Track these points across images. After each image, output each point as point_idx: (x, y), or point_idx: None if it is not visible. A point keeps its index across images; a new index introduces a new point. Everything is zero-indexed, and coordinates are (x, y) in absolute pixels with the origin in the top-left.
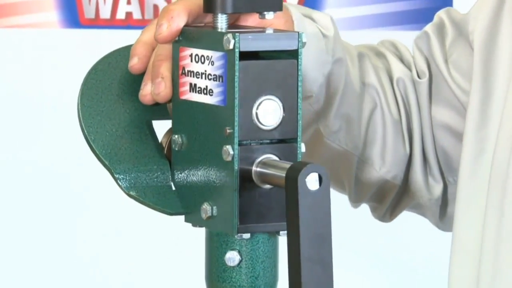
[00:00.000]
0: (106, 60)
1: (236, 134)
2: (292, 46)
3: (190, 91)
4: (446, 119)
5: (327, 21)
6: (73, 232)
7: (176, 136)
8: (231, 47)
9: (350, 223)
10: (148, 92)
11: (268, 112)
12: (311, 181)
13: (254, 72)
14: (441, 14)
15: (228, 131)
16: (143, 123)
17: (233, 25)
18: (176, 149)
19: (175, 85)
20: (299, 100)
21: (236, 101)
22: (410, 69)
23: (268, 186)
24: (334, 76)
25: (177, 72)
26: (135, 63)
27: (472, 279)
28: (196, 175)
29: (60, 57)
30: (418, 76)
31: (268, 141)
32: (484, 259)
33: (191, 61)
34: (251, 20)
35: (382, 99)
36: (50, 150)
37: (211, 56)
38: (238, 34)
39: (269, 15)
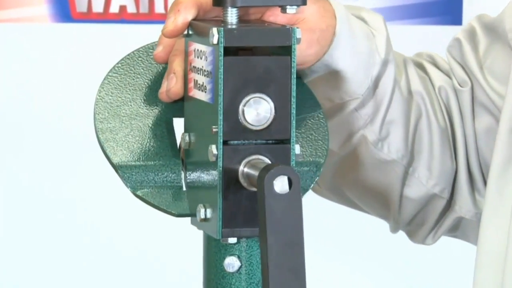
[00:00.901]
0: (132, 54)
1: (220, 133)
2: (285, 42)
3: (194, 88)
4: (487, 127)
5: (378, 21)
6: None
7: (185, 134)
8: (215, 42)
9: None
10: (164, 89)
11: (256, 111)
12: (280, 184)
13: (241, 69)
14: (472, 21)
15: (213, 130)
16: (162, 121)
17: (245, 19)
18: (185, 148)
19: (186, 81)
20: (292, 99)
21: (220, 99)
22: (450, 78)
23: (255, 189)
24: (382, 80)
25: (187, 67)
26: (158, 51)
27: (496, 285)
28: (196, 176)
29: (51, 53)
30: (460, 85)
31: (257, 141)
32: (509, 265)
33: (195, 56)
34: (281, 16)
35: (428, 107)
36: (39, 145)
37: (205, 51)
38: (222, 28)
39: (291, 9)
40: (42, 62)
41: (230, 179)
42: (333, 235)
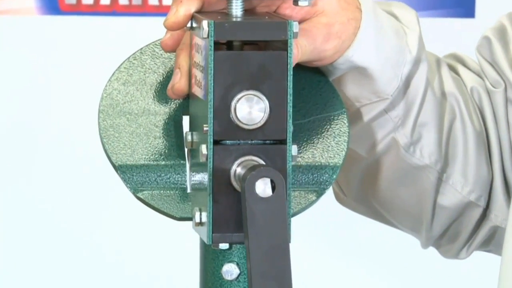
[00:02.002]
0: (145, 49)
1: (210, 132)
2: (280, 36)
3: (194, 84)
4: None
5: (410, 18)
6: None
7: (187, 133)
8: (205, 35)
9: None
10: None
11: (249, 109)
12: (262, 187)
13: (233, 64)
14: (502, 18)
15: (205, 128)
16: (170, 119)
17: (254, 12)
18: (187, 147)
19: (191, 77)
20: (288, 97)
21: (211, 95)
22: (482, 79)
23: None
24: (414, 79)
25: (190, 62)
26: (166, 39)
27: None
28: (197, 177)
29: (39, 46)
30: (492, 86)
31: (251, 142)
32: None
33: (195, 50)
34: (298, 8)
35: (462, 109)
36: (28, 140)
37: (201, 45)
38: (213, 21)
39: (303, 2)
40: (29, 56)
41: (221, 181)
42: (342, 236)
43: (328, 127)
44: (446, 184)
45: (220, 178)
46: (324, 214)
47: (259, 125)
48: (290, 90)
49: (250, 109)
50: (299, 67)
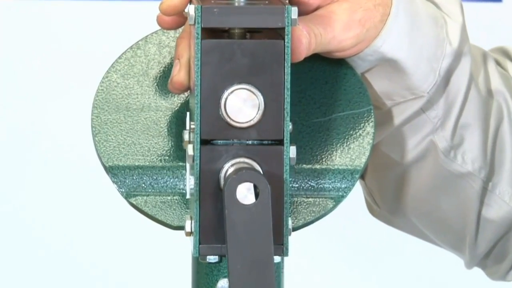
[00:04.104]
0: (150, 37)
1: (197, 131)
2: (277, 24)
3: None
4: None
5: (453, 6)
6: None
7: (185, 132)
8: (191, 22)
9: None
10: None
11: (241, 105)
12: (244, 193)
13: (223, 54)
14: None
15: (192, 126)
16: (173, 116)
17: None
18: (185, 148)
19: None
20: (286, 92)
21: (198, 89)
22: None
23: None
24: (455, 75)
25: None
26: (161, 14)
27: None
28: (192, 181)
29: (16, 35)
30: None
31: (243, 142)
32: None
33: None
34: None
35: (511, 109)
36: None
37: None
38: (200, 6)
39: None
40: (4, 44)
41: (209, 186)
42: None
43: (351, 126)
44: (492, 194)
45: (208, 182)
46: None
47: (252, 123)
48: (287, 84)
49: (242, 104)
50: (322, 58)
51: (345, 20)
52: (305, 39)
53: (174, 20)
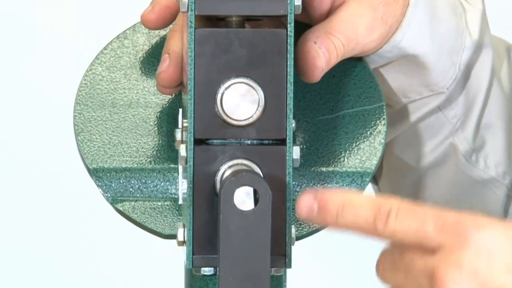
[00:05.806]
0: (138, 26)
1: (191, 130)
2: (278, 11)
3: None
4: None
5: None
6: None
7: (177, 131)
8: (184, 9)
9: None
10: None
11: (239, 101)
12: (242, 198)
13: (219, 45)
14: None
15: (184, 124)
16: (164, 113)
17: None
18: (177, 148)
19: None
20: (288, 86)
21: (191, 83)
22: None
23: None
24: (475, 69)
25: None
26: (146, 12)
27: None
28: (185, 185)
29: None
30: None
31: (241, 141)
32: None
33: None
34: None
35: None
36: None
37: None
38: None
39: None
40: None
41: (204, 190)
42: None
43: (361, 124)
44: None
45: (202, 186)
46: None
47: (251, 120)
48: (290, 78)
49: (240, 100)
50: None
51: (368, 21)
52: (322, 61)
53: (160, 20)
